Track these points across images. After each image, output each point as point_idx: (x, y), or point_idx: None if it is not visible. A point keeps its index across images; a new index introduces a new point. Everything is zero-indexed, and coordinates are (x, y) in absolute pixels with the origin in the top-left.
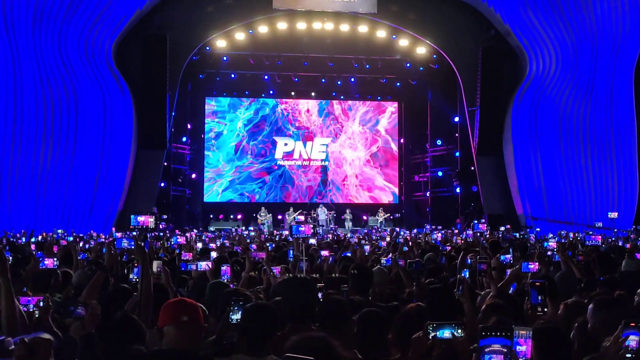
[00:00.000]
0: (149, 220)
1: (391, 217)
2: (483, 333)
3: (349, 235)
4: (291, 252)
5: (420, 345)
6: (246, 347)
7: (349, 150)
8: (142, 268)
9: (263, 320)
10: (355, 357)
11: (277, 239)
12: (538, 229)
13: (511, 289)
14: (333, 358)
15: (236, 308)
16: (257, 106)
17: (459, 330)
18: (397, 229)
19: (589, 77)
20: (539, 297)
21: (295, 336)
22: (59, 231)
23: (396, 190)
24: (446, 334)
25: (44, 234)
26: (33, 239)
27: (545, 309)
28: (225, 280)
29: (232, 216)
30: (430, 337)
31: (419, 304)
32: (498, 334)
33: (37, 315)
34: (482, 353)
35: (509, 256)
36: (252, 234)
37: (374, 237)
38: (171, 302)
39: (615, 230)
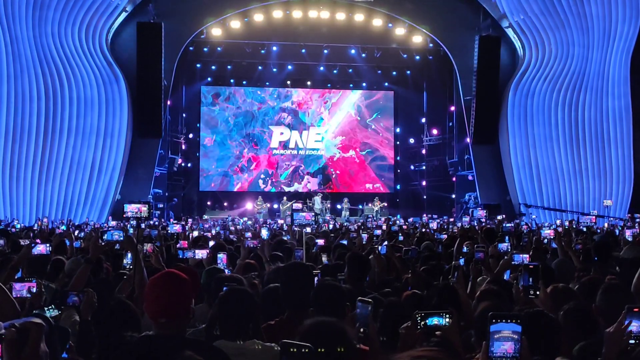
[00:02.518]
0: (142, 209)
1: (387, 206)
2: (493, 320)
3: (345, 224)
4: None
5: (408, 335)
6: (225, 333)
7: (345, 139)
8: (133, 259)
9: (239, 305)
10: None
11: (272, 227)
12: (534, 216)
13: (506, 275)
14: (347, 343)
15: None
16: (253, 94)
17: (447, 319)
18: (393, 218)
19: (584, 65)
20: (530, 279)
21: (309, 321)
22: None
23: (392, 179)
24: (434, 322)
25: (40, 222)
26: (18, 225)
27: (537, 292)
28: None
29: (226, 204)
30: (419, 327)
31: (414, 291)
32: (509, 320)
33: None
34: (492, 339)
35: (505, 245)
36: (249, 222)
37: (369, 225)
38: (150, 299)
39: (610, 218)
